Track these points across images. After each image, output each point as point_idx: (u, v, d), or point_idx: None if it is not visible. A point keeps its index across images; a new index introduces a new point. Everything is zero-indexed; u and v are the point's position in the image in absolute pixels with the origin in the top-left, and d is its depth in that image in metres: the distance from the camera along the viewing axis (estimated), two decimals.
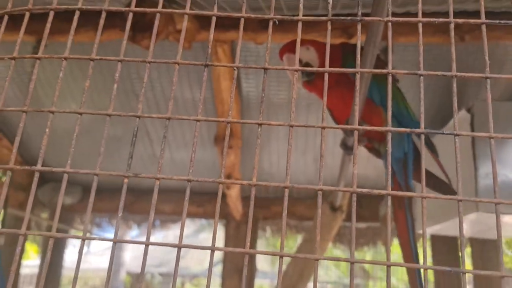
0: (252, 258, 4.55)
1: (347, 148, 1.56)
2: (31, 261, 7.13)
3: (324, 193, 0.73)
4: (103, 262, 10.21)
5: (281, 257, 0.61)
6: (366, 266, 9.33)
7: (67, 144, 3.68)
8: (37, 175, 0.63)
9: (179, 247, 0.67)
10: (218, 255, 7.80)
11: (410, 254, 1.45)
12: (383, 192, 0.60)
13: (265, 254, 0.67)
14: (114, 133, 3.65)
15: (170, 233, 9.69)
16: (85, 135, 3.52)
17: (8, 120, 3.63)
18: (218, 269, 8.80)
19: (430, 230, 2.98)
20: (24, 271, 5.06)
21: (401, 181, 1.50)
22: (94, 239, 0.75)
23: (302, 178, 4.03)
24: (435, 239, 3.64)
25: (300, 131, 3.57)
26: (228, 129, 0.65)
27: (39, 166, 0.67)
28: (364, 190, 0.61)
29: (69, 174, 0.65)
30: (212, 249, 0.63)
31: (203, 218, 4.80)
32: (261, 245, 7.50)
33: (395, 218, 1.65)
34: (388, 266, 0.54)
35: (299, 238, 4.41)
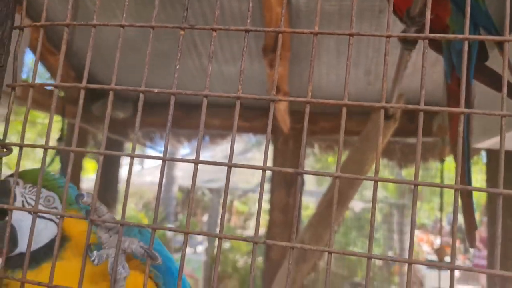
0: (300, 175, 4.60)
1: (406, 42, 1.47)
2: (90, 176, 7.60)
3: (376, 101, 0.69)
4: (157, 177, 10.72)
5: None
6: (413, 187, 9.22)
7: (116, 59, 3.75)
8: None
9: (229, 165, 0.65)
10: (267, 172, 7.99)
11: (462, 170, 1.38)
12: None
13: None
14: (161, 48, 3.64)
15: (219, 150, 9.97)
16: (133, 49, 3.54)
17: (61, 35, 3.69)
18: (265, 187, 9.06)
19: (486, 144, 2.87)
20: (83, 185, 5.41)
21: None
22: (143, 156, 0.75)
23: (352, 91, 3.93)
24: (491, 153, 3.51)
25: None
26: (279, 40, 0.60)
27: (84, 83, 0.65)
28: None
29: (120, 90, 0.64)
30: (263, 168, 0.62)
31: (251, 133, 4.86)
32: (308, 161, 7.58)
33: (451, 128, 1.58)
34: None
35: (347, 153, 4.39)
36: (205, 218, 11.71)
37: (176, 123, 4.56)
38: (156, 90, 0.59)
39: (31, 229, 0.68)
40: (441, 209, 4.05)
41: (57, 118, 3.91)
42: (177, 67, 0.60)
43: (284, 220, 4.30)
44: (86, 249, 0.73)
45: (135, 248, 0.77)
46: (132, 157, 0.59)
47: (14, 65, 0.68)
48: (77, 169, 4.53)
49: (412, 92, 3.31)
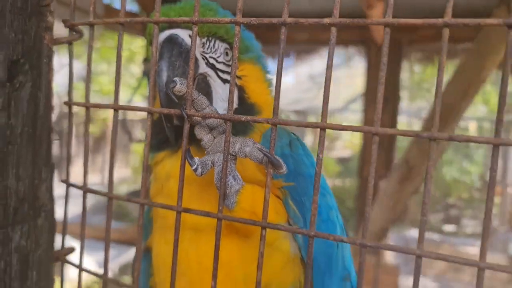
0: (396, 88, 4.23)
1: None
2: None
3: None
4: None
5: None
6: None
7: None
8: None
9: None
10: (358, 87, 7.50)
11: None
12: None
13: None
14: None
15: (304, 67, 9.58)
16: None
17: None
18: (357, 105, 8.65)
19: None
20: None
21: None
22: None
23: None
24: None
25: None
26: None
27: None
28: None
29: None
30: None
31: (340, 46, 4.49)
32: (404, 75, 7.02)
33: None
34: None
35: (451, 65, 3.89)
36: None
37: (259, 38, 4.29)
38: None
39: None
40: None
41: (142, 42, 3.87)
42: None
43: (379, 138, 4.00)
44: (185, 154, 0.56)
45: (249, 151, 0.58)
46: None
47: None
48: None
49: None
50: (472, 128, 10.20)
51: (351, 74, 9.03)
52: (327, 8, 3.87)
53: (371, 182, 0.51)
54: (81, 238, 0.63)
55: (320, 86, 10.53)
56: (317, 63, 9.71)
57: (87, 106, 0.63)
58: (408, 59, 4.42)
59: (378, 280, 2.83)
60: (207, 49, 0.73)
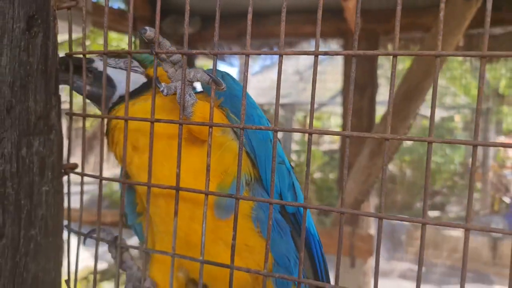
0: (373, 76, 4.44)
1: None
2: None
3: None
4: None
5: None
6: (501, 88, 8.63)
7: None
8: None
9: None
10: (338, 83, 7.76)
11: None
12: None
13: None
14: None
15: (290, 62, 9.82)
16: None
17: None
18: (338, 100, 8.93)
19: None
20: None
21: None
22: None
23: None
24: None
25: None
26: None
27: None
28: None
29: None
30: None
31: (320, 39, 4.70)
32: (382, 65, 7.26)
33: None
34: None
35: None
36: (279, 134, 11.87)
37: (244, 33, 4.46)
38: None
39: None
40: None
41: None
42: None
43: (358, 124, 4.23)
44: (154, 81, 0.77)
45: (200, 76, 0.79)
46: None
47: None
48: None
49: None
50: (457, 119, 10.54)
51: (336, 68, 9.28)
52: (307, 1, 4.06)
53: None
54: (82, 159, 0.84)
55: (306, 80, 10.78)
56: (303, 58, 9.94)
57: (84, 53, 0.83)
58: (385, 48, 4.64)
59: (354, 247, 3.06)
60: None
